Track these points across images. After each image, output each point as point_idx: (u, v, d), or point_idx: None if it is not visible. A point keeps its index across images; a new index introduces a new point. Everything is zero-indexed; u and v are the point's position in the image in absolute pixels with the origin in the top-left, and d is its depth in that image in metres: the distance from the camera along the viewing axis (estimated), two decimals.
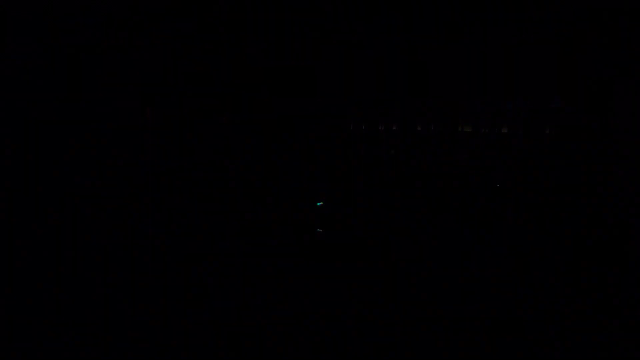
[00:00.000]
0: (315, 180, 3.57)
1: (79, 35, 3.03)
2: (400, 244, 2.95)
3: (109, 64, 3.24)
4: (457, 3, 3.07)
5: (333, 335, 1.83)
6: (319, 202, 3.73)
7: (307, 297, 2.22)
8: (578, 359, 1.70)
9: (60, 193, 3.10)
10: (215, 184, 3.29)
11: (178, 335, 1.81)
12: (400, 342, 1.79)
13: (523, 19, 3.04)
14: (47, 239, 2.85)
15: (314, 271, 2.64)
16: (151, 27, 3.19)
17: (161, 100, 3.41)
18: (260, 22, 3.38)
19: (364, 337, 1.85)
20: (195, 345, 1.75)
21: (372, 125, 3.90)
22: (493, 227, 3.33)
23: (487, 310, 2.07)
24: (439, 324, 1.94)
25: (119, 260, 2.66)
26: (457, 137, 3.63)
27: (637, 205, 3.01)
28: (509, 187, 3.33)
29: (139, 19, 3.09)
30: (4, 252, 2.57)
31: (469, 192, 3.44)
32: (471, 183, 3.44)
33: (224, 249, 2.96)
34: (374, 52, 3.36)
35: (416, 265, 2.76)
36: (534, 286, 2.40)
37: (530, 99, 3.16)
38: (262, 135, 3.57)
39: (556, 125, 3.22)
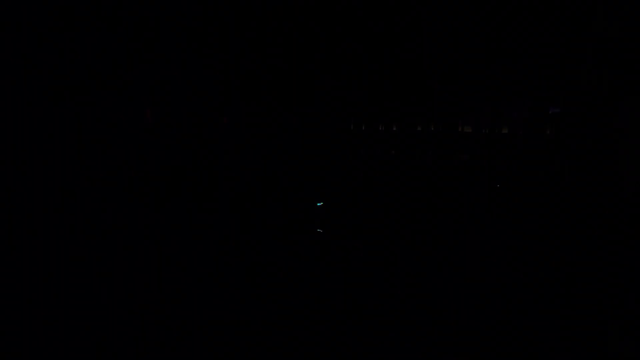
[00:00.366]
0: (315, 181, 3.57)
1: (79, 35, 3.03)
2: (400, 244, 2.95)
3: (109, 63, 3.24)
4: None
5: (333, 335, 1.83)
6: (319, 202, 3.73)
7: (307, 297, 2.22)
8: (578, 359, 1.70)
9: (60, 193, 3.09)
10: (215, 184, 3.28)
11: (178, 336, 1.81)
12: (400, 342, 1.79)
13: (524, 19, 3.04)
14: (47, 239, 2.85)
15: (313, 271, 2.63)
16: (151, 27, 3.19)
17: (161, 100, 3.40)
18: (260, 21, 3.37)
19: (363, 337, 1.84)
20: (196, 345, 1.75)
21: (372, 125, 3.90)
22: (493, 227, 3.33)
23: (487, 311, 2.07)
24: (439, 324, 1.93)
25: (119, 261, 2.66)
26: (457, 137, 3.63)
27: (638, 205, 3.00)
28: (509, 187, 3.33)
29: (139, 18, 3.09)
30: (4, 252, 2.57)
31: (469, 192, 3.44)
32: (471, 183, 3.44)
33: (224, 249, 2.95)
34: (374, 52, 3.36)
35: (416, 266, 2.75)
36: (534, 286, 2.40)
37: (531, 99, 3.16)
38: (261, 135, 3.57)
39: (557, 125, 3.22)
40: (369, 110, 3.71)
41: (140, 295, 2.16)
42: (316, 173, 3.64)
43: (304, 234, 3.24)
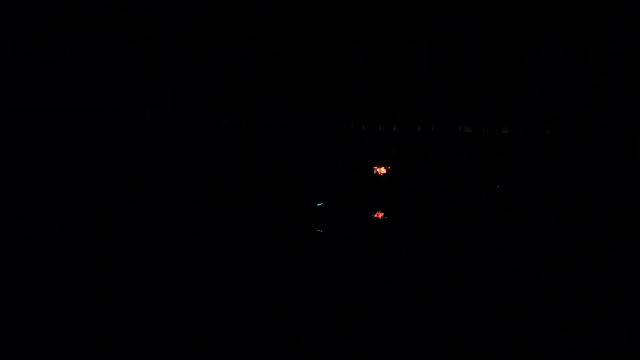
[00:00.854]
0: (315, 181, 3.56)
1: (80, 35, 3.03)
2: (399, 245, 2.95)
3: (110, 64, 3.23)
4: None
5: (332, 335, 1.83)
6: (319, 203, 3.71)
7: (306, 297, 2.21)
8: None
9: (60, 194, 3.09)
10: (215, 184, 3.28)
11: (177, 335, 1.81)
12: (400, 342, 1.79)
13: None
14: (47, 238, 2.85)
15: (312, 271, 2.63)
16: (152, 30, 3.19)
17: (161, 101, 3.39)
18: (261, 22, 3.37)
19: (362, 337, 1.84)
20: (195, 346, 1.75)
21: (372, 125, 3.88)
22: (492, 228, 3.31)
23: (487, 312, 2.06)
24: (438, 325, 1.93)
25: (118, 260, 2.65)
26: (457, 137, 3.62)
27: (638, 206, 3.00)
28: (509, 187, 3.32)
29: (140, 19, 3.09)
30: (4, 251, 2.56)
31: (469, 193, 3.43)
32: (471, 184, 3.43)
33: (223, 250, 2.95)
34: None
35: (415, 266, 2.75)
36: (533, 287, 2.40)
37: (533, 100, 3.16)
38: (261, 136, 3.56)
39: (558, 126, 3.20)
40: (370, 110, 3.69)
41: (139, 294, 2.15)
42: (315, 173, 3.63)
43: (304, 234, 3.22)
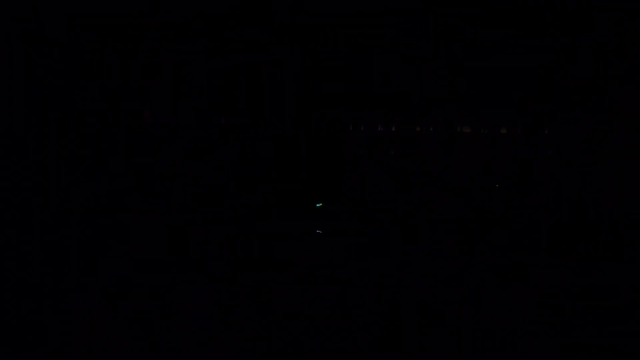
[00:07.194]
0: (314, 182, 3.56)
1: (79, 35, 3.04)
2: (399, 244, 2.95)
3: (109, 65, 3.23)
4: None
5: (332, 335, 1.83)
6: (318, 204, 3.72)
7: (307, 297, 2.22)
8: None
9: (59, 194, 3.09)
10: (215, 184, 3.29)
11: (177, 335, 1.81)
12: (398, 343, 1.79)
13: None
14: (46, 238, 2.84)
15: (312, 271, 2.63)
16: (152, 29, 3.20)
17: (161, 102, 3.39)
18: (261, 23, 3.37)
19: (363, 336, 1.84)
20: (195, 346, 1.75)
21: (371, 126, 3.87)
22: (492, 228, 3.30)
23: (486, 312, 2.07)
24: (436, 328, 1.93)
25: (118, 259, 2.65)
26: (456, 138, 3.63)
27: (637, 205, 3.01)
28: (508, 188, 3.33)
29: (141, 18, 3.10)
30: (4, 251, 2.57)
31: (468, 193, 3.43)
32: (470, 184, 3.44)
33: (221, 250, 2.95)
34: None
35: (415, 266, 2.76)
36: (533, 286, 2.40)
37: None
38: (260, 137, 3.55)
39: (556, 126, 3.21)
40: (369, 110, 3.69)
41: (138, 292, 2.15)
42: (316, 174, 3.63)
43: (304, 233, 3.21)
